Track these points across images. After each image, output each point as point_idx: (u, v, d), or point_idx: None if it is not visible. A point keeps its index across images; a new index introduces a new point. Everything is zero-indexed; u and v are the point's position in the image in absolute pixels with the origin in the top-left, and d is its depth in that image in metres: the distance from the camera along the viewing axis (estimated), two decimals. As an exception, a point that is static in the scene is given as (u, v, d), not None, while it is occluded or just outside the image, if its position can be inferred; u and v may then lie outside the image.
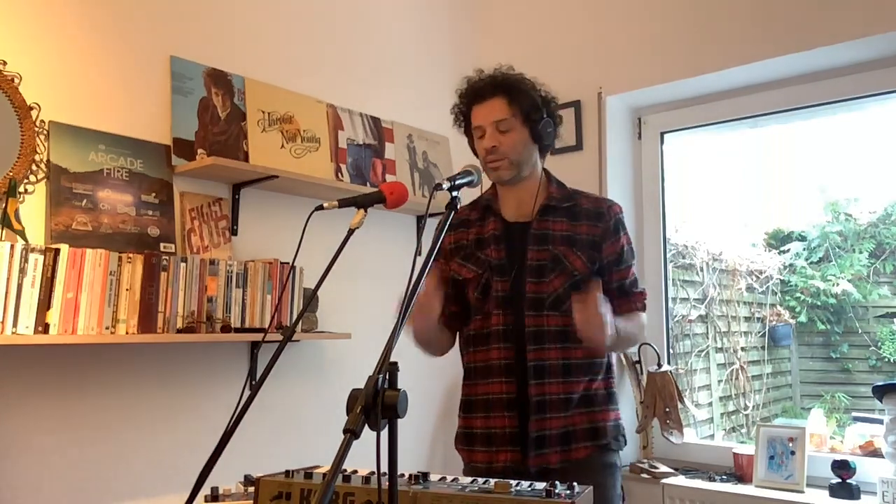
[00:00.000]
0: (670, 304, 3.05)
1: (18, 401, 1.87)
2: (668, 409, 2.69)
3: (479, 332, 1.79)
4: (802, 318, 3.60)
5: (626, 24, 2.94)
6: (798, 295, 3.62)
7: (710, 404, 3.48)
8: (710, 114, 2.90)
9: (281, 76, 2.55)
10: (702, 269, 3.49)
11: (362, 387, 0.90)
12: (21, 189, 1.87)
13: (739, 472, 2.58)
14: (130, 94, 2.15)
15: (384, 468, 0.91)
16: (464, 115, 1.83)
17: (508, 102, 1.73)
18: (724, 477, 2.60)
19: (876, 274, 3.43)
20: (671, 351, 3.03)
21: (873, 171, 3.35)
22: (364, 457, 1.14)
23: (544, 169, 1.87)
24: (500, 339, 1.74)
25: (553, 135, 1.81)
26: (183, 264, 2.04)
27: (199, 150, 2.25)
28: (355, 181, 2.68)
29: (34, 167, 1.91)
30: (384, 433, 0.90)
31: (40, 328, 1.75)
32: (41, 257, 1.76)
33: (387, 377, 0.92)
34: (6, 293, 1.69)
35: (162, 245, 2.14)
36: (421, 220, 2.99)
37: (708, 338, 3.48)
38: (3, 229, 1.77)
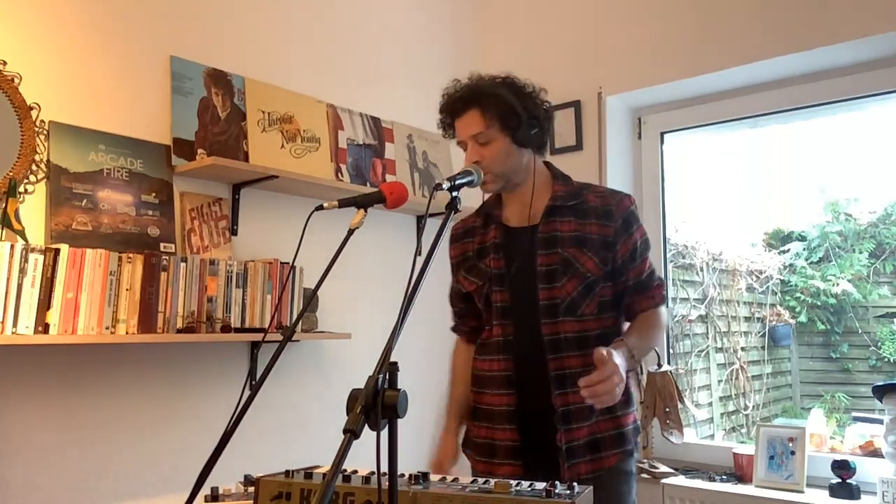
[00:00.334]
0: (670, 304, 3.05)
1: (18, 401, 1.87)
2: (668, 409, 2.69)
3: (485, 341, 1.78)
4: (802, 318, 3.61)
5: (625, 24, 2.94)
6: (798, 295, 3.63)
7: (710, 404, 3.48)
8: (709, 114, 2.90)
9: (281, 76, 2.55)
10: (702, 269, 3.49)
11: (362, 387, 0.90)
12: (21, 189, 1.87)
13: (739, 472, 2.57)
14: (130, 94, 2.15)
15: (384, 468, 0.91)
16: (451, 127, 1.77)
17: (482, 114, 1.65)
18: (724, 477, 2.60)
19: (876, 274, 3.43)
20: (671, 351, 3.03)
21: (873, 171, 3.36)
22: (364, 457, 1.15)
23: (547, 164, 1.80)
24: (500, 350, 1.71)
25: (540, 134, 1.71)
26: (183, 264, 2.04)
27: (199, 150, 2.25)
28: (355, 181, 2.68)
29: (34, 167, 1.91)
30: (384, 433, 0.90)
31: (40, 328, 1.75)
32: (41, 257, 1.75)
33: (387, 377, 0.92)
34: (6, 293, 1.69)
35: (162, 245, 2.13)
36: (421, 221, 2.98)
37: (708, 338, 3.48)
38: (3, 229, 1.77)
